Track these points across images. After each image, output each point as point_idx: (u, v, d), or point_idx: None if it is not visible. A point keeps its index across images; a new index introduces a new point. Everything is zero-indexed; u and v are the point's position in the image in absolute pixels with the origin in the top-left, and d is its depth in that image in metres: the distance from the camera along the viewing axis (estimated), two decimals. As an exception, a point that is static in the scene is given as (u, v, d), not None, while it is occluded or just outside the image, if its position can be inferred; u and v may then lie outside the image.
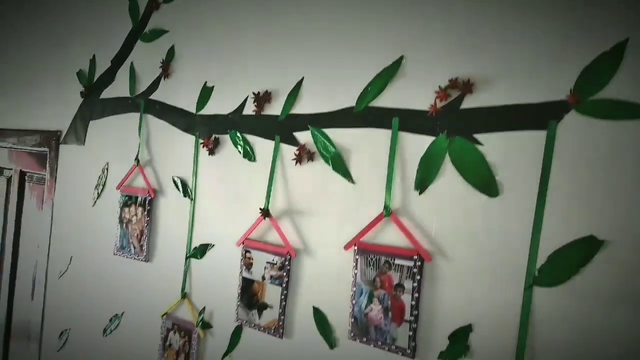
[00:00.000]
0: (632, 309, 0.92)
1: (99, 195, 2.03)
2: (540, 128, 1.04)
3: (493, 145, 1.10)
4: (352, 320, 1.28)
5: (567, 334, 0.99)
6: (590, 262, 0.97)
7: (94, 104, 2.11)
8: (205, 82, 1.68)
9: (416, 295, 1.17)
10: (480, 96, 1.12)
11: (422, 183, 1.19)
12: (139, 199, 1.84)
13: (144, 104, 1.88)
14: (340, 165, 1.34)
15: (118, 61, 2.02)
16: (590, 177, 0.98)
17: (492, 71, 1.11)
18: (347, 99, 1.34)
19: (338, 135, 1.35)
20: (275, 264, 1.44)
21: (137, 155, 1.87)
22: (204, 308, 1.63)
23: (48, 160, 2.34)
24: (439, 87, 1.16)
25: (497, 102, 1.10)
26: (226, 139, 1.61)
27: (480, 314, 1.10)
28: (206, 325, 1.61)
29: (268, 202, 1.47)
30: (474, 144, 1.12)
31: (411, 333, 1.17)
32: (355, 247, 1.28)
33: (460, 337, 1.12)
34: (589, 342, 0.96)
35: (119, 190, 1.91)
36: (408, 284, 1.19)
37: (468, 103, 1.14)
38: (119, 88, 2.01)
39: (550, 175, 1.02)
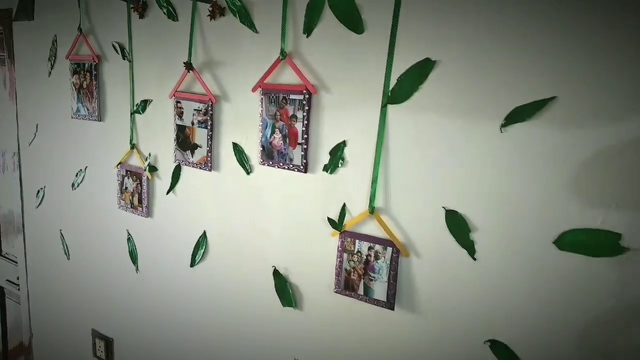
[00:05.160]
0: (464, 118, 1.18)
1: (52, 66, 2.21)
2: (394, -31, 1.22)
3: (360, -12, 1.29)
4: (261, 149, 1.55)
5: (410, 140, 1.27)
6: (426, 80, 1.21)
7: (36, -23, 2.20)
8: (130, -54, 1.79)
9: (306, 122, 1.43)
10: (350, -57, 1.28)
11: (309, 27, 1.39)
12: (86, 65, 2.02)
13: (79, -27, 1.98)
14: (246, 17, 1.52)
15: None
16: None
17: None
18: (249, -46, 1.49)
19: (243, -11, 1.52)
20: (201, 110, 1.68)
21: (80, 24, 2.02)
22: (149, 154, 1.90)
23: (4, 39, 2.46)
24: (319, -64, 1.32)
25: (363, -52, 1.27)
26: (153, 1, 1.76)
27: (351, 132, 1.37)
28: (152, 169, 1.90)
29: (190, 57, 1.67)
30: (346, -13, 1.30)
31: (303, 153, 1.46)
32: (260, 89, 1.52)
33: (337, 151, 1.40)
34: (426, 151, 1.24)
35: (69, 59, 2.09)
36: (300, 114, 1.44)
37: (341, -50, 1.30)
38: (55, -41, 2.09)
39: (400, 8, 1.23)
